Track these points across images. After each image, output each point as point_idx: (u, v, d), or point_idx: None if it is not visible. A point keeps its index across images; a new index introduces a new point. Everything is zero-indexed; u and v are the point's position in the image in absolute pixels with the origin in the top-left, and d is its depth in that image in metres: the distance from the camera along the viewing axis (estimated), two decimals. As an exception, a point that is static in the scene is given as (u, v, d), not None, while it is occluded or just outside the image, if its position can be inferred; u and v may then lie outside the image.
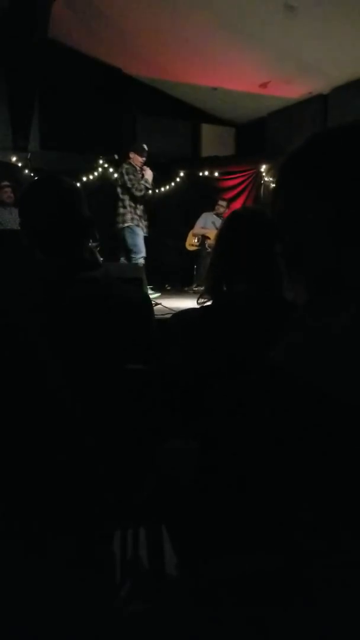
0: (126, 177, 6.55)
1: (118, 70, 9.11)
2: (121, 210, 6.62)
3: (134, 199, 6.58)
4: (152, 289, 6.92)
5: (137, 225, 6.66)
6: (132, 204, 6.61)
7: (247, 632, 0.67)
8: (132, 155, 6.74)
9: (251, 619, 0.67)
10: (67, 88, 8.50)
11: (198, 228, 8.27)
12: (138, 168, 6.66)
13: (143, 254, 6.79)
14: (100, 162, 8.36)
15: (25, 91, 7.43)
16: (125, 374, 1.52)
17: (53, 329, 1.42)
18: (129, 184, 6.51)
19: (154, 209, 8.49)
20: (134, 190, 6.51)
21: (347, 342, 0.64)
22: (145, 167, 6.75)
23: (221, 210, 8.24)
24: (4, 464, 1.33)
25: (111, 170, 8.41)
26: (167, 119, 9.87)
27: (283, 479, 0.63)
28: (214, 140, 10.37)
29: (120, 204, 6.62)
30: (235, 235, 1.59)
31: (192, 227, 8.37)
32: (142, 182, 6.58)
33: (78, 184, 7.64)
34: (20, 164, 7.59)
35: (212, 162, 9.18)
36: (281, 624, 0.65)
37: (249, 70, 8.01)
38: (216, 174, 9.04)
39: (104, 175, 8.38)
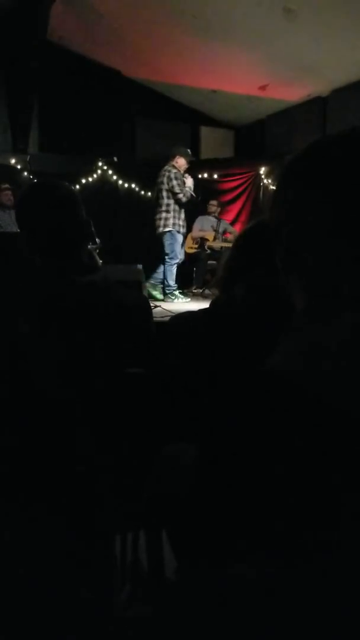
0: (174, 182, 6.43)
1: (117, 72, 9.14)
2: (164, 214, 6.52)
3: (179, 204, 6.50)
4: (182, 293, 6.93)
5: (178, 232, 6.58)
6: (177, 209, 6.53)
7: (247, 632, 0.67)
8: (177, 159, 6.60)
9: (251, 619, 0.67)
10: (66, 90, 8.52)
11: (196, 231, 8.29)
12: (181, 173, 6.58)
13: (178, 259, 6.72)
14: (100, 164, 8.37)
15: (24, 93, 7.45)
16: (125, 378, 1.52)
17: (51, 332, 1.42)
18: (177, 189, 6.41)
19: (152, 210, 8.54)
20: (181, 195, 6.43)
21: (345, 351, 0.64)
22: (186, 174, 6.67)
23: (213, 209, 8.26)
24: (3, 469, 1.33)
25: (110, 172, 8.43)
26: (166, 121, 9.89)
27: (282, 480, 0.63)
28: (213, 143, 10.39)
29: (164, 208, 6.51)
30: (243, 241, 1.60)
31: (190, 230, 8.38)
32: (187, 188, 6.51)
33: (77, 187, 7.72)
34: (19, 166, 7.59)
35: (212, 165, 9.18)
36: (281, 625, 0.65)
37: (248, 72, 8.04)
38: (215, 176, 9.05)
39: (103, 177, 8.39)
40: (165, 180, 6.48)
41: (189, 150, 6.78)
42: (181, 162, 6.60)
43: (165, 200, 6.49)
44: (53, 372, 1.39)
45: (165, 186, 6.48)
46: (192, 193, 6.59)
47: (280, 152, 8.29)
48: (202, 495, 0.72)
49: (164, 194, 6.49)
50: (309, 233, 0.72)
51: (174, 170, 6.49)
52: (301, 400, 0.63)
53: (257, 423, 0.65)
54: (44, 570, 1.34)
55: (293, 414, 0.63)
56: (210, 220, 8.23)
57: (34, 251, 1.53)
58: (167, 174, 6.50)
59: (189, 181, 6.63)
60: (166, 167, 6.58)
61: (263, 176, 8.74)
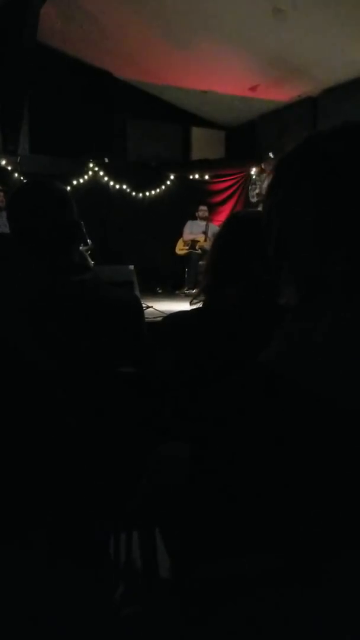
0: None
1: (108, 73, 9.12)
2: None
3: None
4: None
5: None
6: None
7: (243, 632, 0.67)
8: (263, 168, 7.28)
9: (247, 619, 0.67)
10: (57, 91, 8.49)
11: (187, 234, 8.31)
12: (265, 175, 7.14)
13: None
14: (91, 165, 8.36)
15: (14, 94, 7.42)
16: (117, 377, 1.52)
17: (43, 331, 1.42)
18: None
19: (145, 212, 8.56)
20: (251, 198, 7.19)
21: (336, 345, 0.64)
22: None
23: (202, 214, 8.29)
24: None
25: (101, 173, 8.41)
26: (158, 122, 9.88)
27: (278, 475, 0.63)
28: (204, 144, 10.40)
29: None
30: (230, 238, 1.59)
31: (181, 231, 8.40)
32: (257, 190, 7.10)
33: (68, 188, 7.69)
34: (10, 168, 7.56)
35: (203, 166, 9.21)
36: (278, 625, 0.65)
37: (238, 73, 8.04)
38: (206, 177, 9.07)
39: (94, 178, 8.38)
40: None
41: (269, 154, 7.40)
42: (264, 169, 7.34)
43: None
44: (44, 371, 1.39)
45: None
46: (258, 191, 7.20)
47: (271, 153, 8.32)
48: (197, 493, 0.72)
49: None
50: (298, 229, 0.72)
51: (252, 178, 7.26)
52: (295, 394, 0.63)
53: (250, 418, 0.65)
54: (40, 571, 1.34)
55: (286, 408, 0.63)
56: (200, 225, 8.25)
57: (26, 251, 1.53)
58: None
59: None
60: None
61: (254, 176, 8.76)
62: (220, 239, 1.64)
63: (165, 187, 8.92)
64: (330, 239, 0.69)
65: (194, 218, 8.38)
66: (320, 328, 0.66)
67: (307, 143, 0.75)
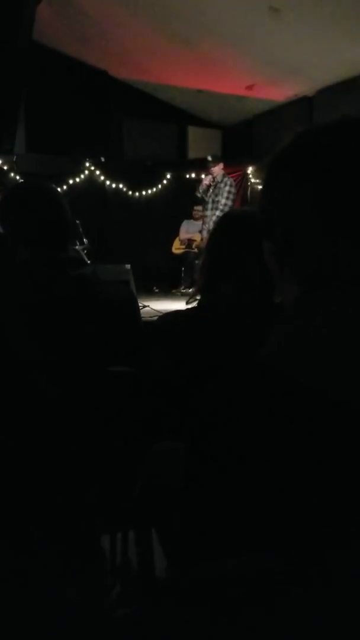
0: None
1: (104, 72, 9.12)
2: None
3: None
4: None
5: None
6: None
7: (242, 632, 0.67)
8: None
9: (247, 619, 0.66)
10: (53, 90, 8.49)
11: (183, 233, 8.32)
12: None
13: None
14: (87, 164, 8.35)
15: (10, 94, 7.40)
16: (112, 376, 1.52)
17: (39, 327, 1.42)
18: None
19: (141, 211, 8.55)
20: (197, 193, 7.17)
21: (337, 341, 0.63)
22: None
23: (198, 215, 8.30)
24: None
25: (98, 172, 8.41)
26: (154, 121, 9.88)
27: (278, 477, 0.63)
28: (200, 143, 10.39)
29: None
30: (225, 237, 1.58)
31: (178, 230, 8.42)
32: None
33: (64, 187, 7.69)
34: (6, 167, 7.55)
35: (199, 165, 9.20)
36: (277, 624, 0.64)
37: (234, 72, 8.05)
38: (203, 176, 9.06)
39: (91, 178, 8.38)
40: None
41: (208, 157, 7.30)
42: (211, 172, 7.09)
43: None
44: (40, 367, 1.38)
45: None
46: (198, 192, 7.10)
47: (267, 152, 8.31)
48: (193, 492, 0.71)
49: None
50: (300, 224, 0.71)
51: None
52: (294, 390, 0.62)
53: (248, 415, 0.64)
54: (35, 572, 1.33)
55: (285, 404, 0.63)
56: (196, 224, 8.26)
57: (22, 243, 1.53)
58: None
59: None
60: None
61: (250, 175, 8.76)
62: (213, 238, 1.63)
63: (161, 187, 8.93)
64: (338, 231, 0.68)
65: (190, 217, 8.39)
66: (322, 323, 0.65)
67: (302, 139, 0.74)
